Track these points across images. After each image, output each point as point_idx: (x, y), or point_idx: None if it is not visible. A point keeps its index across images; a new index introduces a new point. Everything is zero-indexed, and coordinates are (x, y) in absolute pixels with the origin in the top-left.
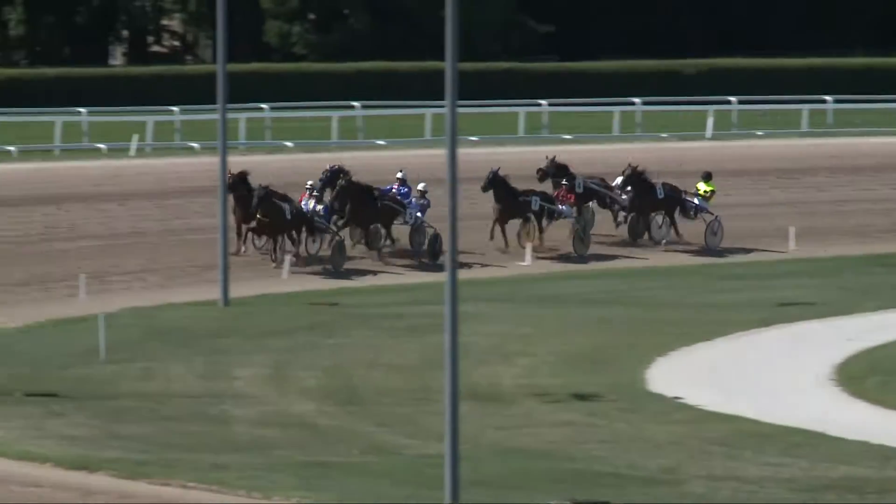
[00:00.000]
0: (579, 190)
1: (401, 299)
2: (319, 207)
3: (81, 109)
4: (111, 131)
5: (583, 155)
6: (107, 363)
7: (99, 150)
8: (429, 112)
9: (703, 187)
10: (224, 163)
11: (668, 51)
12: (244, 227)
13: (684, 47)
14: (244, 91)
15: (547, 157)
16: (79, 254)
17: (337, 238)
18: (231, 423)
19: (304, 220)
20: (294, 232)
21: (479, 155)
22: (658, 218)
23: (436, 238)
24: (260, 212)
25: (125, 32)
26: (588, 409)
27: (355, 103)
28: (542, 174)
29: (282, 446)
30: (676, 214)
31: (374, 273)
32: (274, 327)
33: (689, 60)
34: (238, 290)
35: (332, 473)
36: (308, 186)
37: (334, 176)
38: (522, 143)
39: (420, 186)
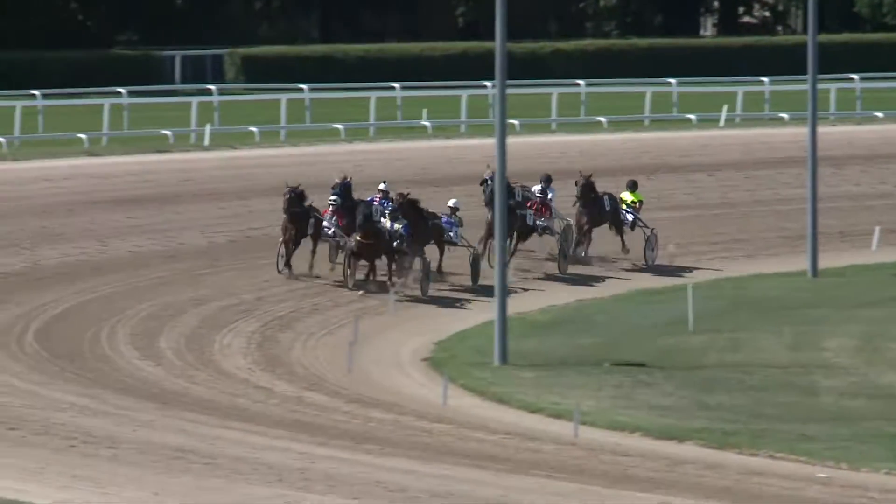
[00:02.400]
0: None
1: None
2: (398, 227)
3: (671, 80)
4: (700, 102)
5: None
6: (695, 333)
7: (688, 120)
8: None
9: (628, 197)
10: (814, 133)
11: None
12: (290, 247)
13: None
14: (834, 61)
15: (489, 167)
16: (668, 224)
17: (426, 260)
18: (819, 394)
19: (392, 242)
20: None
21: None
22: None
23: (477, 259)
24: (362, 233)
25: (716, 3)
26: None
27: None
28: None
29: (870, 417)
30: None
31: None
32: (863, 298)
33: None
34: (826, 261)
35: None
36: (331, 201)
37: (347, 190)
38: None
39: (451, 203)
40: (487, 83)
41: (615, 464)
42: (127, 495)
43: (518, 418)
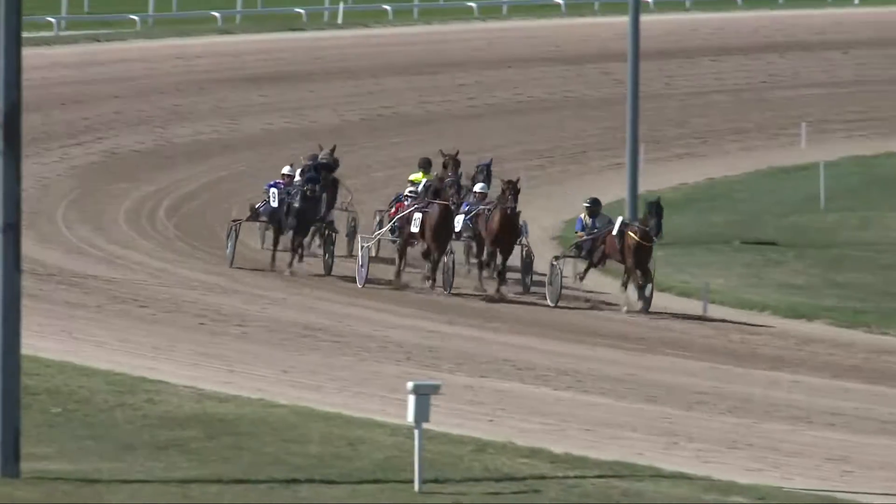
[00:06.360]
0: None
1: None
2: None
3: None
4: None
5: None
6: (826, 211)
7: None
8: None
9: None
10: None
11: None
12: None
13: None
14: None
15: (320, 147)
16: (800, 102)
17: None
18: None
19: None
20: None
21: None
22: None
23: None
24: (644, 235)
25: None
26: None
27: None
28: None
29: None
30: None
31: None
32: None
33: None
34: None
35: None
36: (410, 192)
37: (321, 167)
38: None
39: (478, 188)
40: None
41: (744, 342)
42: (256, 373)
43: None
